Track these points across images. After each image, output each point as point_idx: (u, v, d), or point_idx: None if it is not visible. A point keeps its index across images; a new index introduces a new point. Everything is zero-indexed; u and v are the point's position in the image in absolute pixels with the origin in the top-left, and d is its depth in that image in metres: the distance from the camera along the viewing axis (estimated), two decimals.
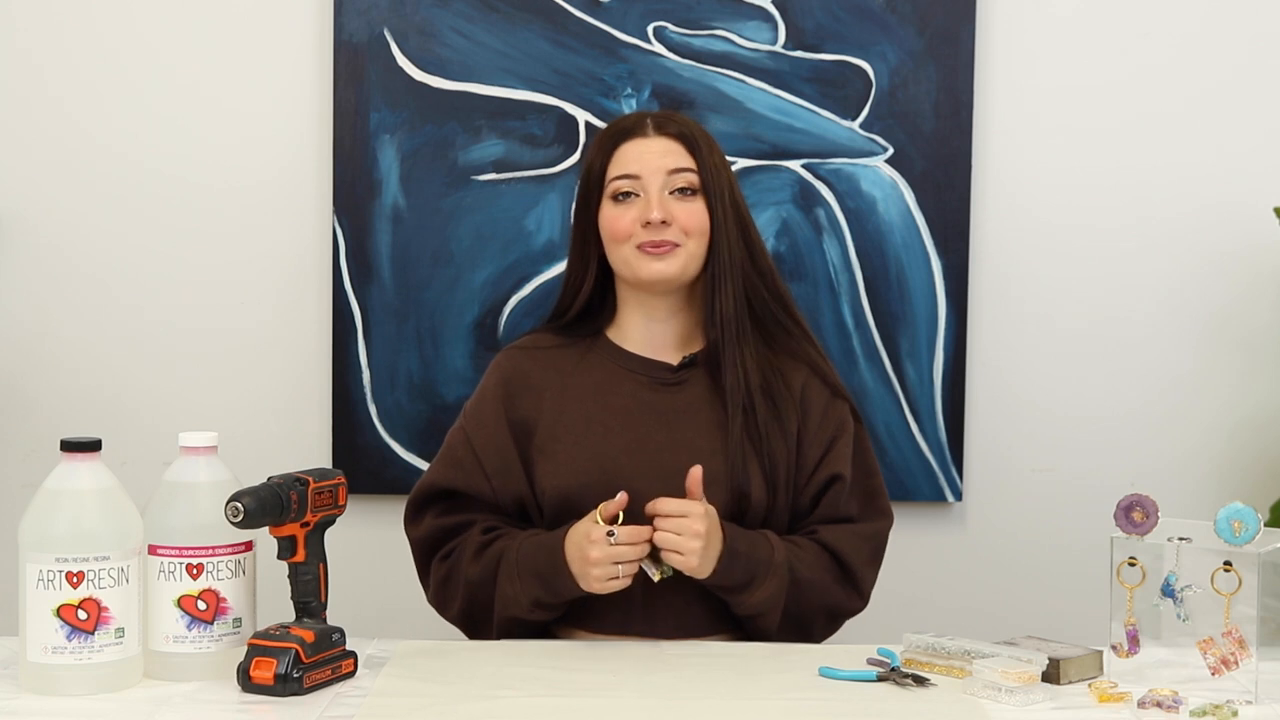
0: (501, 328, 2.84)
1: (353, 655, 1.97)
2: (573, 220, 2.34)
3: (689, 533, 2.08)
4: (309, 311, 2.88)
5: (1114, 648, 1.98)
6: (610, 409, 2.26)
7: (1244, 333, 2.90)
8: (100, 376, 2.88)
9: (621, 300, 2.31)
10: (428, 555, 2.27)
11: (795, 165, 2.84)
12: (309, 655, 1.90)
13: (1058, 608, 2.79)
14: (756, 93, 2.83)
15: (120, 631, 1.88)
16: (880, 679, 1.96)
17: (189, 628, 1.94)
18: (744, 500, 2.19)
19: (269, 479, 1.94)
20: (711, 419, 2.24)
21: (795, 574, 2.17)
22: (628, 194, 2.24)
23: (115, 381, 2.88)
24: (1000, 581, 2.91)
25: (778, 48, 2.83)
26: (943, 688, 1.93)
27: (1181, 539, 1.93)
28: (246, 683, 1.89)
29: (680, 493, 2.13)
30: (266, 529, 1.93)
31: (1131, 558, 1.96)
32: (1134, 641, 1.96)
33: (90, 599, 1.86)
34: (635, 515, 2.15)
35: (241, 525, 1.88)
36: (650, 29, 2.82)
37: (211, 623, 1.94)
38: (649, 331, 2.30)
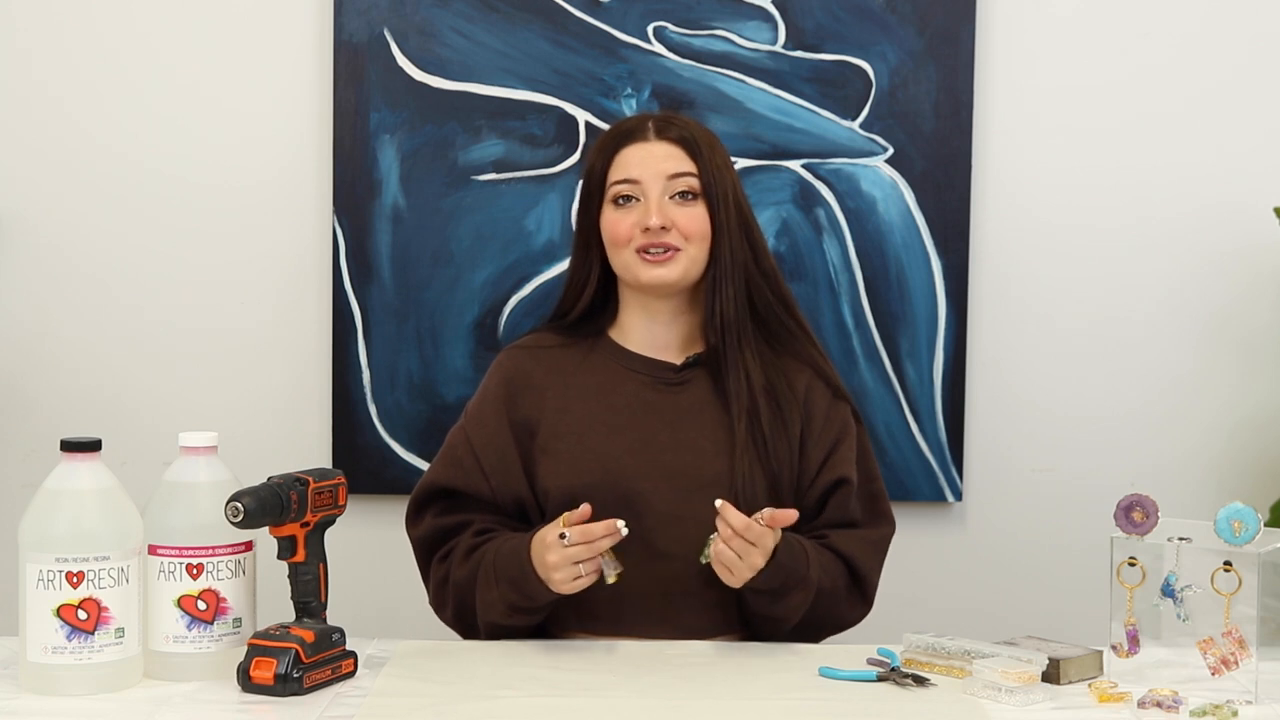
0: (501, 328, 2.84)
1: (353, 655, 1.97)
2: (575, 222, 2.34)
3: (749, 562, 2.07)
4: (309, 311, 2.88)
5: (1114, 648, 1.98)
6: (613, 409, 2.26)
7: (1244, 333, 2.90)
8: (100, 376, 2.88)
9: (624, 301, 2.31)
10: (428, 555, 2.27)
11: (795, 165, 2.84)
12: (309, 655, 1.90)
13: (1058, 608, 2.80)
14: (756, 93, 2.83)
15: (120, 631, 1.88)
16: (880, 679, 1.96)
17: (189, 628, 1.94)
18: (745, 502, 2.19)
19: (269, 479, 1.94)
20: (715, 420, 2.24)
21: (820, 585, 2.17)
22: (628, 198, 2.24)
23: (115, 381, 2.88)
24: (1000, 581, 2.91)
25: (778, 48, 2.83)
26: (943, 688, 1.93)
27: (1181, 539, 1.94)
28: (246, 683, 1.89)
29: (683, 490, 2.13)
30: (266, 529, 1.93)
31: (1131, 558, 1.96)
32: (1134, 641, 1.96)
33: (90, 599, 1.86)
34: (636, 512, 2.15)
35: (241, 525, 1.88)
36: (650, 29, 2.82)
37: (211, 623, 1.94)
38: (651, 332, 2.30)
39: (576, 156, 2.82)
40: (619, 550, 2.08)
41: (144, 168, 2.86)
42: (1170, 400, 2.91)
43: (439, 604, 2.26)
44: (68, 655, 1.86)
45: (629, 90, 2.82)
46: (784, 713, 1.84)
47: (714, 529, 2.10)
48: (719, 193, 2.23)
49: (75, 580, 1.86)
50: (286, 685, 1.87)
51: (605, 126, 2.79)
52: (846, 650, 2.07)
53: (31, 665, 1.88)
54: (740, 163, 2.80)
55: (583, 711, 1.84)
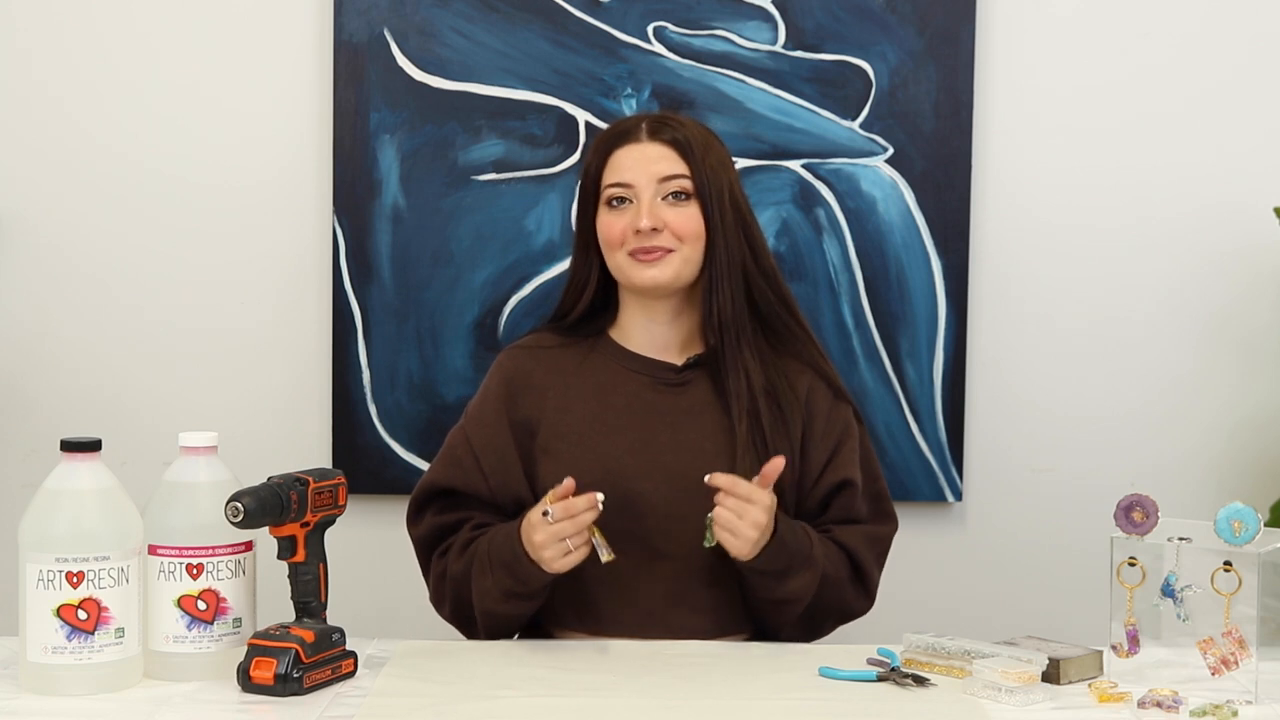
0: (501, 328, 2.84)
1: (353, 655, 1.97)
2: (574, 223, 2.34)
3: (749, 520, 2.08)
4: (309, 311, 2.88)
5: (1114, 648, 1.98)
6: (614, 409, 2.26)
7: (1244, 333, 2.90)
8: (100, 376, 2.88)
9: (624, 302, 2.31)
10: (427, 553, 2.27)
11: (795, 165, 2.84)
12: (309, 655, 1.90)
13: (1058, 608, 2.80)
14: (756, 93, 2.83)
15: (120, 631, 1.88)
16: (880, 679, 1.96)
17: (189, 628, 1.94)
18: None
19: (269, 479, 1.94)
20: (716, 420, 2.24)
21: (824, 569, 2.17)
22: (622, 200, 2.24)
23: (115, 381, 2.88)
24: (1000, 581, 2.91)
25: (778, 48, 2.83)
26: (943, 688, 1.93)
27: (1181, 539, 1.93)
28: (246, 683, 1.89)
29: (685, 490, 2.13)
30: (266, 529, 1.93)
31: (1131, 558, 1.96)
32: (1134, 641, 1.96)
33: (90, 599, 1.86)
34: (637, 513, 2.16)
35: (241, 525, 1.88)
36: (650, 29, 2.82)
37: (211, 623, 1.94)
38: (651, 333, 2.30)
39: (576, 156, 2.82)
40: (617, 543, 2.09)
41: (144, 168, 2.86)
42: (1170, 400, 2.91)
43: (438, 600, 2.27)
44: (68, 655, 1.86)
45: (629, 90, 2.82)
46: (784, 713, 1.84)
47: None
48: (712, 193, 2.23)
49: (75, 580, 1.86)
50: (286, 685, 1.87)
51: (605, 126, 2.79)
52: (846, 650, 2.07)
53: (31, 665, 1.88)
54: (740, 163, 2.79)
55: (583, 711, 1.84)
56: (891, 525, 2.31)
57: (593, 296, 2.31)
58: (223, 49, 2.86)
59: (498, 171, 2.84)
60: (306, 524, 1.95)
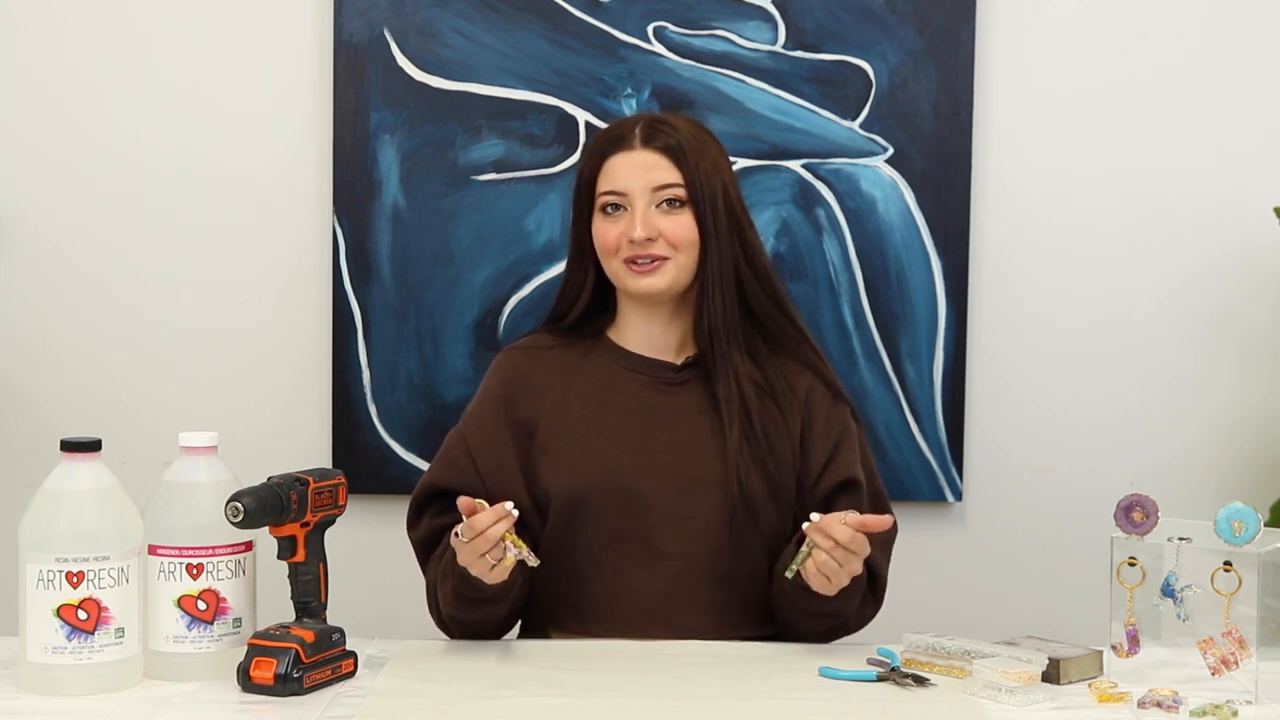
0: (501, 328, 2.84)
1: (353, 655, 1.97)
2: (571, 225, 2.34)
3: (849, 569, 2.05)
4: (309, 311, 2.88)
5: (1114, 648, 1.98)
6: (613, 409, 2.26)
7: (1244, 333, 2.90)
8: (100, 376, 2.88)
9: (621, 303, 2.31)
10: (426, 556, 2.27)
11: (795, 165, 2.84)
12: (309, 655, 1.90)
13: (1058, 608, 2.80)
14: (756, 93, 2.83)
15: (120, 631, 1.88)
16: (880, 679, 1.96)
17: (189, 628, 1.94)
18: (745, 503, 2.19)
19: (269, 479, 1.94)
20: (714, 419, 2.24)
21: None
22: (616, 207, 2.24)
23: (115, 381, 2.88)
24: (1000, 581, 2.91)
25: (778, 48, 2.83)
26: (943, 688, 1.93)
27: (1181, 539, 1.94)
28: (246, 683, 1.89)
29: (684, 491, 2.13)
30: (266, 529, 1.93)
31: (1131, 558, 1.96)
32: (1134, 641, 1.96)
33: (90, 599, 1.86)
34: (636, 512, 2.16)
35: (241, 525, 1.88)
36: (650, 29, 2.82)
37: (211, 623, 1.94)
38: (650, 333, 2.30)
39: (576, 156, 2.82)
40: (618, 542, 2.09)
41: (144, 168, 2.86)
42: (1170, 400, 2.91)
43: (430, 606, 2.26)
44: (68, 655, 1.86)
45: (629, 90, 2.82)
46: (784, 713, 1.84)
47: (715, 528, 2.10)
48: (706, 199, 2.22)
49: (75, 580, 1.86)
50: (286, 685, 1.87)
51: (605, 126, 2.78)
52: (846, 650, 2.08)
53: (31, 665, 1.88)
54: (740, 163, 2.80)
55: (582, 711, 1.84)
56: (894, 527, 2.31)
57: (588, 300, 2.31)
58: (223, 49, 2.86)
59: (498, 171, 2.84)
60: (306, 524, 1.96)
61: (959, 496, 2.88)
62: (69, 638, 1.86)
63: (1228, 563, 1.89)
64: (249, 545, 1.98)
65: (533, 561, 2.02)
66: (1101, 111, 2.87)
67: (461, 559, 2.05)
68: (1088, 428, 2.91)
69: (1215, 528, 1.90)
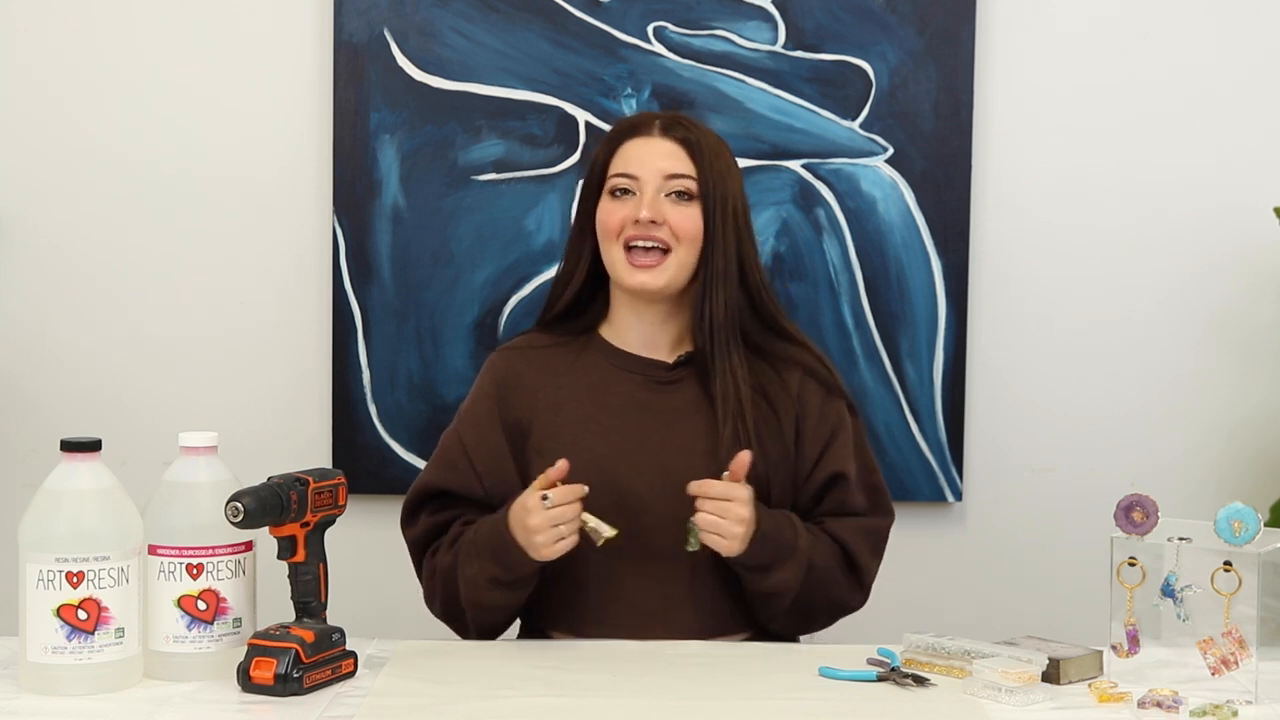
0: (501, 328, 2.84)
1: (353, 655, 1.97)
2: (575, 211, 2.34)
3: (733, 517, 2.10)
4: (309, 311, 2.88)
5: (1114, 648, 1.98)
6: (606, 408, 2.26)
7: (1244, 333, 2.90)
8: (100, 376, 2.88)
9: (615, 298, 2.31)
10: (422, 554, 2.28)
11: (795, 165, 2.84)
12: (309, 655, 1.90)
13: (1058, 608, 2.79)
14: (756, 93, 2.83)
15: (120, 631, 1.88)
16: (880, 679, 1.96)
17: (189, 628, 1.94)
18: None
19: (269, 479, 1.94)
20: (708, 418, 2.24)
21: (812, 560, 2.17)
22: (625, 191, 2.24)
23: (115, 381, 2.88)
24: (1000, 581, 2.91)
25: (778, 48, 2.83)
26: (943, 688, 1.93)
27: (1181, 539, 1.93)
28: (246, 683, 1.89)
29: (678, 489, 2.13)
30: (266, 529, 1.93)
31: (1131, 558, 1.96)
32: (1134, 641, 1.96)
33: (90, 599, 1.86)
34: (631, 513, 2.16)
35: (241, 525, 1.88)
36: (650, 29, 2.82)
37: (211, 623, 1.94)
38: (642, 331, 2.30)
39: (576, 156, 2.82)
40: (612, 544, 2.09)
41: (144, 168, 2.86)
42: (1170, 400, 2.91)
43: (429, 599, 2.27)
44: (68, 655, 1.86)
45: (629, 90, 2.82)
46: (784, 713, 1.84)
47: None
48: (716, 197, 2.23)
49: (75, 580, 1.86)
50: (286, 685, 1.87)
51: (605, 126, 2.79)
52: (846, 650, 2.07)
53: (31, 665, 1.88)
54: (740, 163, 2.77)
55: (583, 711, 1.84)
56: (888, 518, 2.31)
57: (580, 286, 2.31)
58: (223, 49, 2.86)
59: (498, 171, 2.84)
60: (306, 524, 1.95)
61: (959, 496, 2.88)
62: (69, 638, 1.86)
63: (1228, 563, 1.89)
64: (249, 545, 1.98)
65: (610, 533, 2.08)
66: (1101, 111, 2.87)
67: (533, 521, 2.07)
68: (1088, 428, 2.91)
69: (1215, 528, 1.90)
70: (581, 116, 2.83)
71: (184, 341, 2.89)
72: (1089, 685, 1.91)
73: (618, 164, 2.26)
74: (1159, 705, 1.83)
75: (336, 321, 2.85)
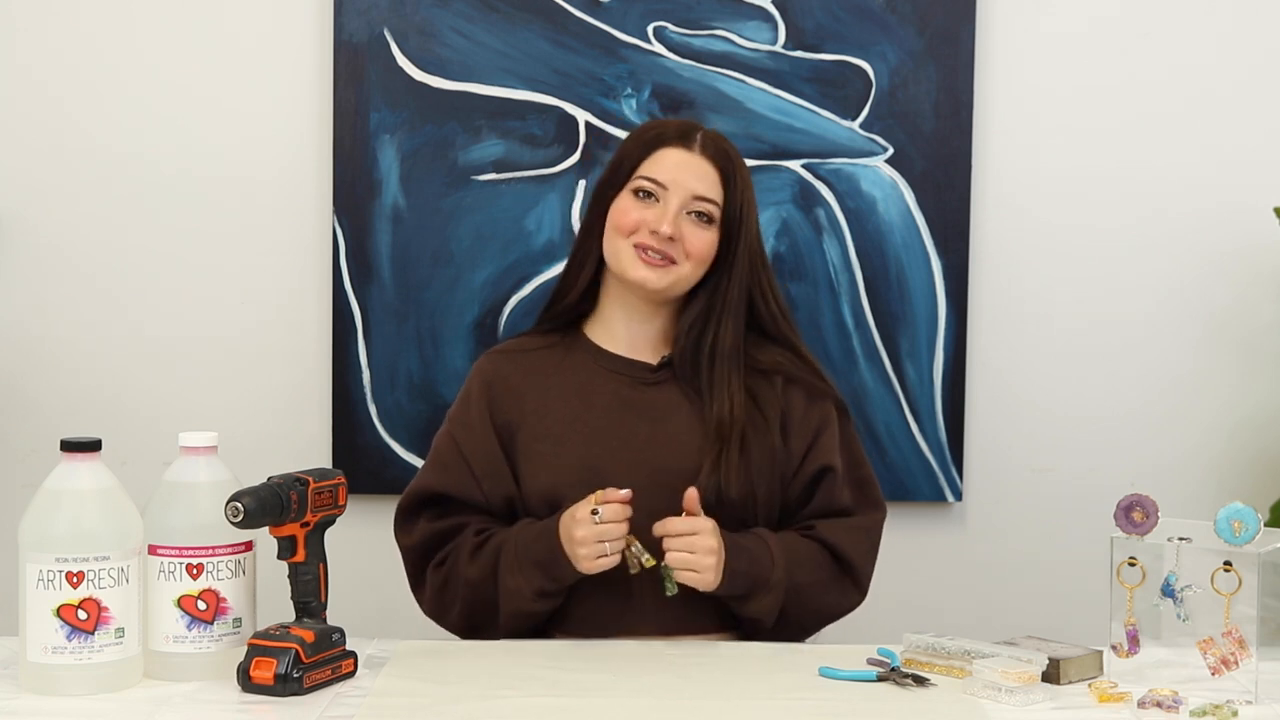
0: (501, 328, 2.84)
1: (353, 655, 1.97)
2: (591, 202, 2.33)
3: (702, 549, 2.11)
4: (309, 311, 2.88)
5: (1114, 648, 1.98)
6: (593, 409, 2.26)
7: (1244, 333, 2.90)
8: (100, 376, 2.88)
9: (606, 293, 2.32)
10: (422, 561, 2.27)
11: (795, 165, 2.84)
12: (309, 655, 1.90)
13: (1058, 608, 2.79)
14: (756, 93, 2.83)
15: (120, 631, 1.88)
16: (880, 679, 1.96)
17: (189, 628, 1.93)
18: (725, 500, 2.19)
19: (269, 479, 1.94)
20: (694, 415, 2.25)
21: (794, 581, 2.18)
22: (649, 194, 2.24)
23: (115, 381, 2.88)
24: (1000, 581, 2.91)
25: (778, 48, 2.83)
26: (943, 688, 1.93)
27: (1181, 539, 1.93)
28: (246, 683, 1.89)
29: (666, 487, 2.14)
30: (266, 529, 1.93)
31: (1131, 558, 1.96)
32: (1134, 641, 1.96)
33: (90, 599, 1.86)
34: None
35: (241, 525, 1.88)
36: (650, 29, 2.82)
37: (211, 623, 1.94)
38: (629, 330, 2.30)
39: (577, 156, 2.82)
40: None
41: (144, 167, 2.86)
42: (1170, 400, 2.91)
43: (439, 610, 2.26)
44: (68, 655, 1.86)
45: (629, 90, 2.82)
46: (784, 713, 1.84)
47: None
48: (738, 227, 2.25)
49: (75, 580, 1.86)
50: (286, 685, 1.87)
51: (605, 126, 2.80)
52: (846, 650, 2.07)
53: (31, 665, 1.87)
54: None
55: (583, 711, 1.84)
56: (879, 513, 2.31)
57: (591, 276, 2.30)
58: (223, 49, 2.86)
59: (498, 171, 2.84)
60: (306, 524, 1.95)
61: (959, 496, 2.88)
62: (69, 638, 1.86)
63: (1228, 563, 1.89)
64: (249, 545, 1.98)
65: (649, 562, 2.11)
66: (1101, 111, 2.87)
67: (580, 533, 2.08)
68: (1088, 428, 2.91)
69: (1215, 528, 1.90)
70: (581, 116, 2.83)
71: (184, 341, 2.89)
72: (1089, 685, 1.91)
73: (650, 167, 2.25)
74: (1159, 705, 1.83)
75: (336, 321, 2.85)
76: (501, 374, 2.32)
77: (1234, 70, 2.87)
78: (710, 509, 2.17)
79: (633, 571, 2.12)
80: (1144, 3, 2.87)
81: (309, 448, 2.86)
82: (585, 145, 2.82)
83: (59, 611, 1.86)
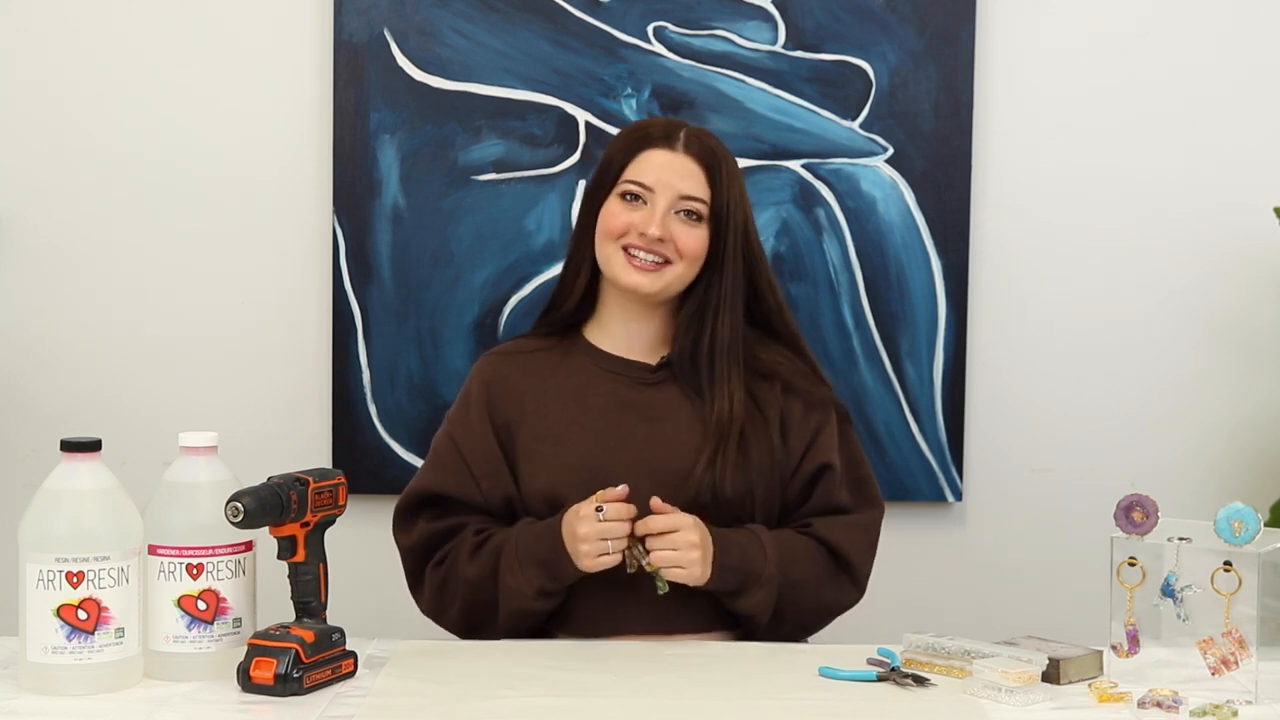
0: (501, 328, 2.84)
1: (353, 655, 1.97)
2: (581, 207, 2.33)
3: (685, 545, 2.11)
4: (309, 311, 2.88)
5: (1114, 648, 1.98)
6: (591, 409, 2.26)
7: (1244, 333, 2.90)
8: (100, 376, 2.88)
9: (603, 296, 2.32)
10: (421, 562, 2.27)
11: (795, 165, 2.84)
12: (309, 655, 1.90)
13: (1058, 608, 2.80)
14: (756, 93, 2.83)
15: (120, 631, 1.88)
16: (880, 679, 1.96)
17: (189, 628, 1.93)
18: (721, 497, 2.19)
19: (269, 479, 1.94)
20: (693, 415, 2.25)
21: (788, 577, 2.18)
22: (636, 197, 2.24)
23: (115, 381, 2.88)
24: (1000, 581, 2.91)
25: (778, 48, 2.83)
26: (943, 688, 1.93)
27: (1181, 539, 1.93)
28: (246, 683, 1.89)
29: (665, 486, 2.14)
30: (266, 529, 1.93)
31: (1131, 558, 1.96)
32: (1134, 641, 1.96)
33: (90, 599, 1.86)
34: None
35: (241, 525, 1.88)
36: (650, 29, 2.82)
37: (211, 623, 1.94)
38: (627, 331, 2.30)
39: (576, 156, 2.82)
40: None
41: (144, 168, 2.86)
42: (1170, 400, 2.91)
43: (438, 609, 2.26)
44: (68, 655, 1.86)
45: (629, 90, 2.82)
46: (784, 713, 1.84)
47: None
48: (728, 222, 2.24)
49: (75, 580, 1.86)
50: (286, 685, 1.87)
51: (605, 126, 2.80)
52: (846, 650, 2.07)
53: (31, 665, 1.87)
54: (740, 163, 2.77)
55: (583, 711, 1.84)
56: (877, 511, 2.31)
57: (587, 280, 2.30)
58: (223, 49, 2.86)
59: (498, 171, 2.84)
60: (306, 524, 1.95)
61: (959, 496, 2.88)
62: (69, 638, 1.86)
63: (1228, 563, 1.89)
64: (249, 545, 1.98)
65: (650, 566, 2.12)
66: (1101, 112, 2.87)
67: (583, 530, 2.09)
68: (1088, 428, 2.91)
69: (1215, 528, 1.90)
70: (581, 116, 2.83)
71: (184, 341, 2.89)
72: (1089, 685, 1.91)
73: (634, 170, 2.25)
74: (1159, 705, 1.83)
75: (336, 321, 2.85)
76: (501, 375, 2.32)
77: (1234, 70, 2.87)
78: (706, 506, 2.17)
79: (630, 570, 2.12)
80: (1144, 3, 2.87)
81: (309, 448, 2.86)
82: (585, 145, 2.82)
83: (59, 611, 1.86)
